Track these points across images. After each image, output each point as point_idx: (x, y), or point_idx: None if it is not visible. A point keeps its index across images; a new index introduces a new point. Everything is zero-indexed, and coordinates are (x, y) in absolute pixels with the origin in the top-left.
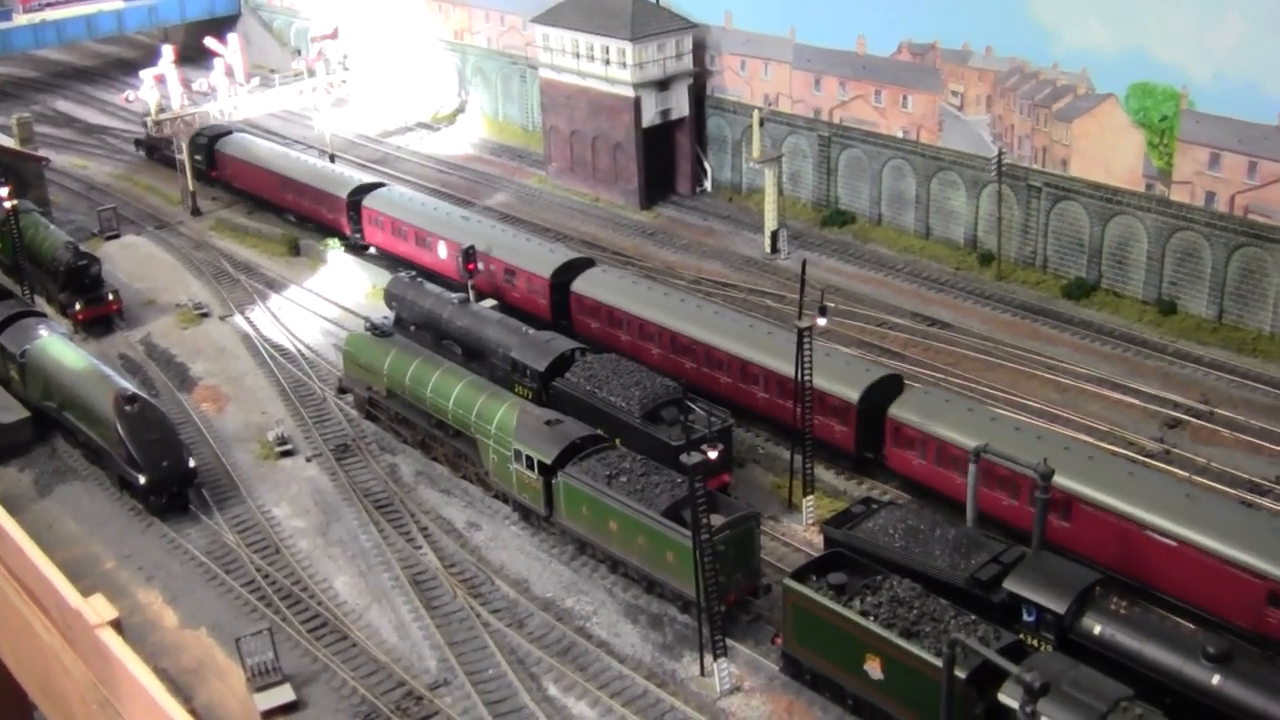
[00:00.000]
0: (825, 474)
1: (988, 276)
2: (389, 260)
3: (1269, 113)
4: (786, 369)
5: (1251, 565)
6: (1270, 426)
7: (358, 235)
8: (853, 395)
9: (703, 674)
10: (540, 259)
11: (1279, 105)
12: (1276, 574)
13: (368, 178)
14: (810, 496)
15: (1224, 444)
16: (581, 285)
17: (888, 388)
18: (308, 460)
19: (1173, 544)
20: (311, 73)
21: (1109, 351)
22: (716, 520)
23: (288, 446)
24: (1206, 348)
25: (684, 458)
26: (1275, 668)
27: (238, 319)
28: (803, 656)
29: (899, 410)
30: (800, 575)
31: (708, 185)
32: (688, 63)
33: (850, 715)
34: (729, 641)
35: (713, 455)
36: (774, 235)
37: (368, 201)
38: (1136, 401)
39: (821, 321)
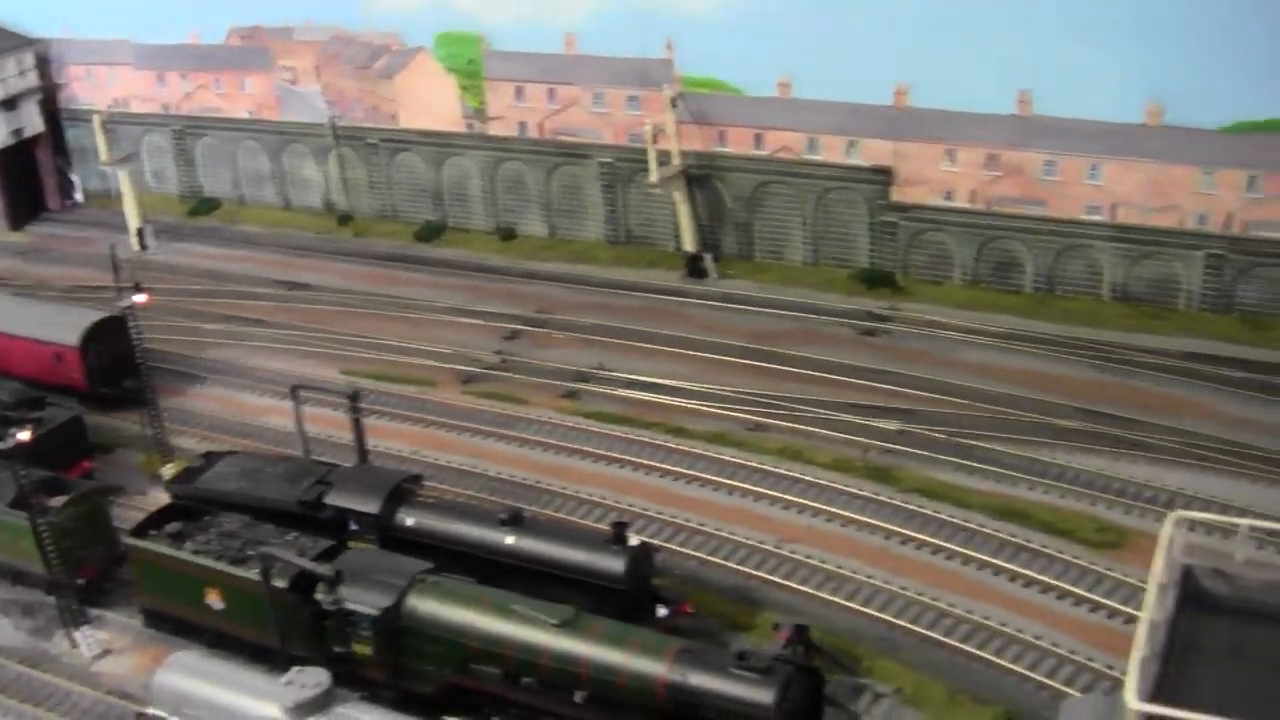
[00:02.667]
0: (187, 440)
1: (348, 235)
2: None
3: (557, 43)
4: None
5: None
6: (599, 322)
7: None
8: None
9: (74, 647)
10: None
11: (564, 33)
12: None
13: None
14: (170, 464)
15: (558, 344)
16: None
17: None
18: None
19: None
20: None
21: (458, 283)
22: (60, 501)
23: None
24: (545, 263)
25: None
26: (554, 524)
27: None
28: (158, 606)
29: None
30: (140, 532)
31: (79, 197)
32: (33, 79)
33: (211, 649)
34: (100, 611)
35: (24, 436)
36: (140, 232)
37: None
38: (481, 322)
39: (140, 298)
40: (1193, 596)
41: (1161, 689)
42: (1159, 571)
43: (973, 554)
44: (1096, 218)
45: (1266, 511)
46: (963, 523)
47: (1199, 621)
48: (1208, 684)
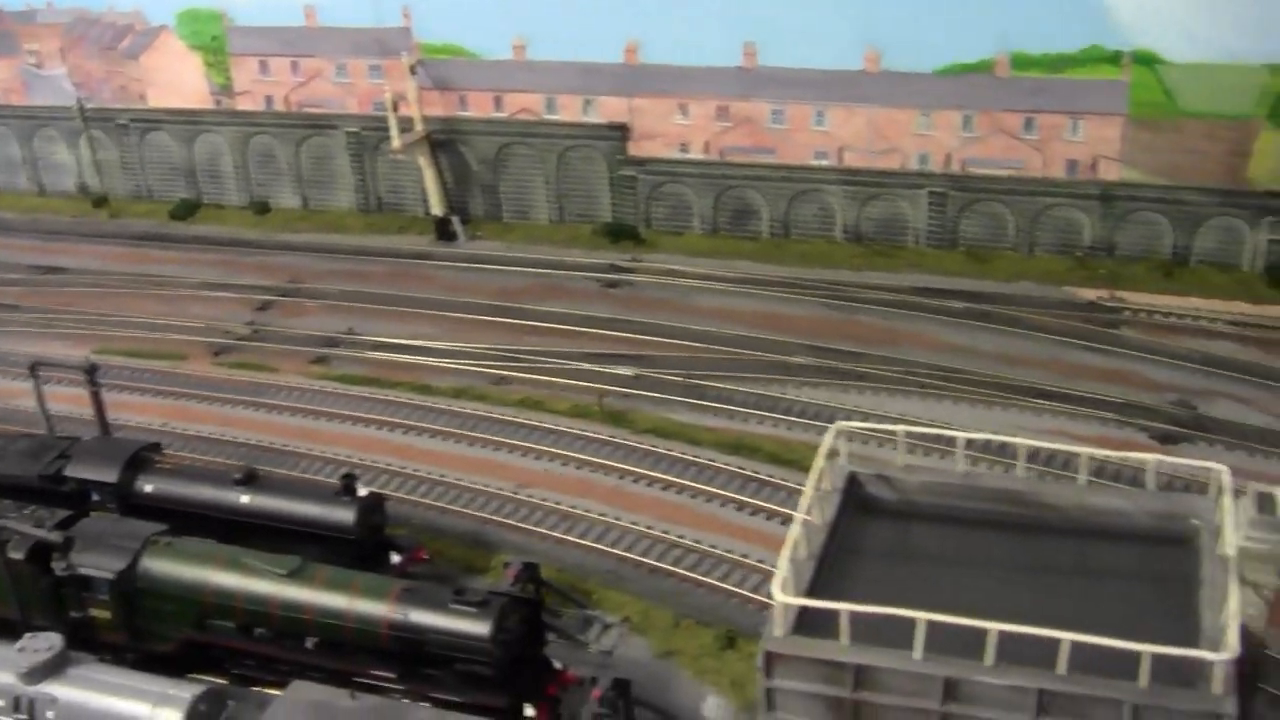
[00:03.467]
0: None
1: (103, 217)
2: None
3: (298, 16)
4: None
5: None
6: (350, 288)
7: None
8: None
9: None
10: None
11: (304, 6)
12: None
13: None
14: None
15: (309, 313)
16: None
17: None
18: None
19: None
20: None
21: (212, 259)
22: None
23: None
24: (299, 235)
25: None
26: (287, 481)
27: None
28: None
29: None
30: None
31: None
32: None
33: None
34: None
35: None
36: None
37: None
38: (234, 295)
39: None
40: (856, 501)
41: (819, 585)
42: (817, 478)
43: (702, 487)
44: (825, 162)
45: (967, 430)
46: (694, 459)
47: (862, 524)
48: (865, 579)
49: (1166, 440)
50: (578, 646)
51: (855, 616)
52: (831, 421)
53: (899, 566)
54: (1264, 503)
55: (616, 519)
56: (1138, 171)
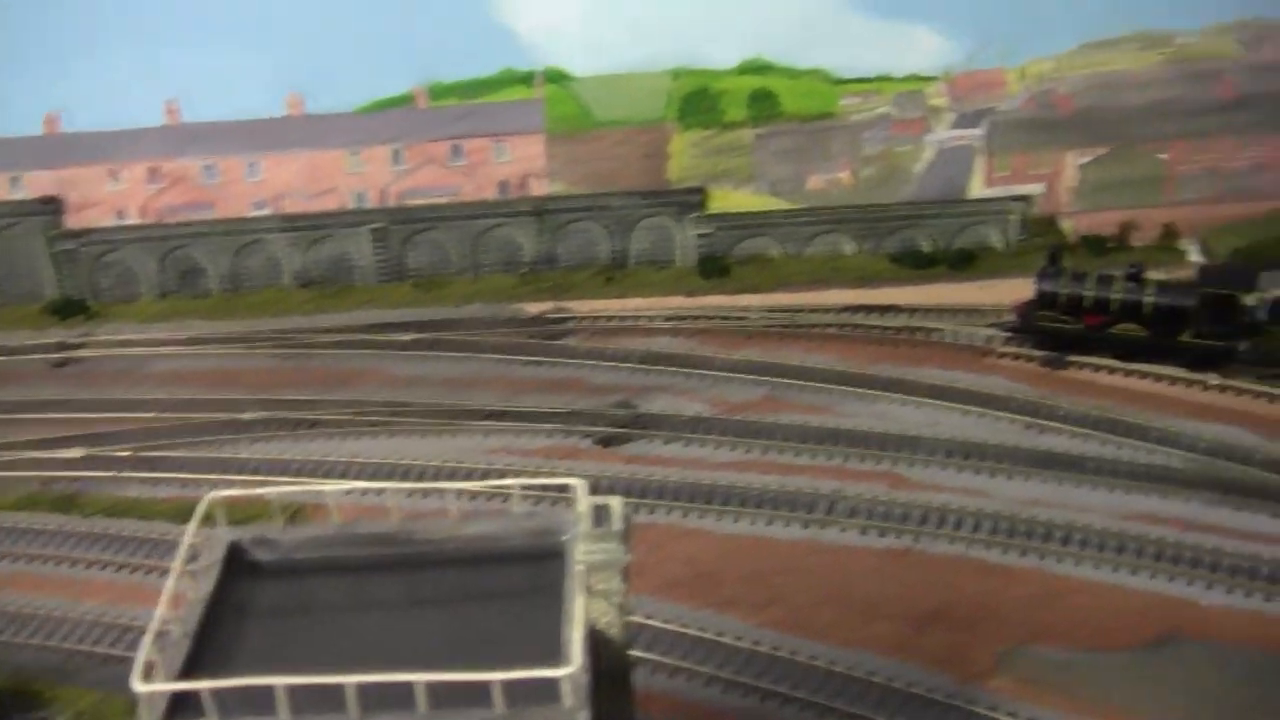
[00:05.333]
0: None
1: None
2: None
3: None
4: None
5: None
6: None
7: None
8: None
9: None
10: None
11: None
12: None
13: None
14: None
15: None
16: None
17: None
18: None
19: None
20: None
21: None
22: None
23: None
24: None
25: None
26: None
27: None
28: None
29: None
30: None
31: None
32: None
33: None
34: None
35: None
36: None
37: None
38: None
39: None
40: (239, 569)
41: (201, 662)
42: (188, 552)
43: (155, 563)
44: (265, 211)
45: (418, 460)
46: (146, 535)
47: (248, 590)
48: (251, 647)
49: (609, 442)
50: None
51: (220, 691)
52: (284, 473)
53: (287, 627)
54: (600, 514)
55: (68, 612)
56: (566, 184)
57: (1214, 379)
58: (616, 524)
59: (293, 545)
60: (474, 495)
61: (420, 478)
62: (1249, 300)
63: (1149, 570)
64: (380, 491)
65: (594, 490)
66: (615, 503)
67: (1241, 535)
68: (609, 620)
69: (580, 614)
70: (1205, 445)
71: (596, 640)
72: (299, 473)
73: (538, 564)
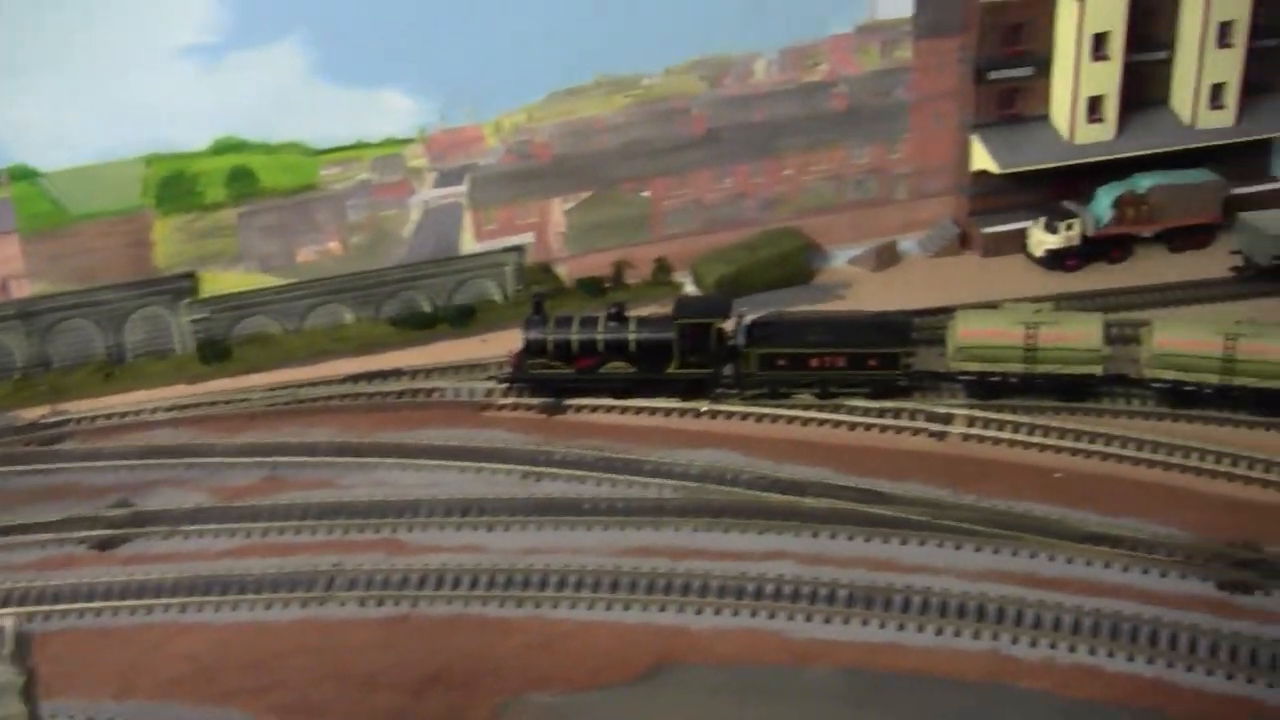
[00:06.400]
0: None
1: None
2: None
3: None
4: None
5: None
6: None
7: None
8: None
9: None
10: None
11: None
12: None
13: None
14: None
15: None
16: None
17: None
18: None
19: None
20: None
21: None
22: None
23: None
24: None
25: None
26: None
27: None
28: None
29: None
30: None
31: None
32: None
33: None
34: None
35: None
36: None
37: None
38: None
39: None
40: None
41: None
42: None
43: None
44: None
45: None
46: None
47: None
48: None
49: (106, 546)
50: None
51: None
52: None
53: None
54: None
55: None
56: (50, 283)
57: (704, 406)
58: (6, 646)
59: None
60: None
61: None
62: (724, 326)
63: (641, 604)
64: None
65: (88, 598)
66: (7, 623)
67: (730, 556)
68: None
69: None
70: (696, 472)
71: None
72: None
73: None
